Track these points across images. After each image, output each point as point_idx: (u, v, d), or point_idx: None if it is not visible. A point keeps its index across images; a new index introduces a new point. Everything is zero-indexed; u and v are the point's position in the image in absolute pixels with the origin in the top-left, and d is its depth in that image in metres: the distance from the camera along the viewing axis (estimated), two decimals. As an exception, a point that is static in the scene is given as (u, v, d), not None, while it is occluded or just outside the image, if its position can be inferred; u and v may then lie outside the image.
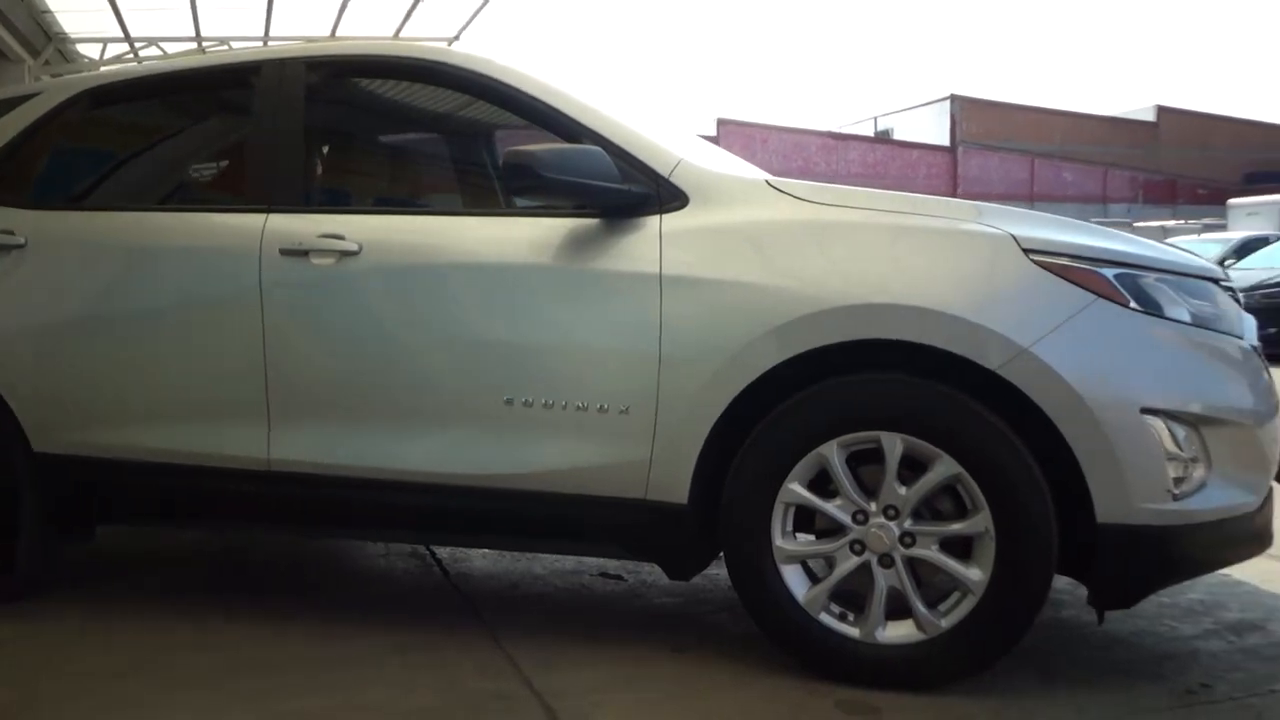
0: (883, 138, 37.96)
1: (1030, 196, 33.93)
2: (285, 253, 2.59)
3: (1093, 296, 2.16)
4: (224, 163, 3.19)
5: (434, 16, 12.93)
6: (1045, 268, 2.18)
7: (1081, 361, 2.12)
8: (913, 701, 2.19)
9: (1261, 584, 2.98)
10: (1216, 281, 2.37)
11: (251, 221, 2.65)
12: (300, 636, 2.59)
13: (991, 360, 2.13)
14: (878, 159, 35.25)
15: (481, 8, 12.53)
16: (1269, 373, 2.35)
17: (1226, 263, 13.32)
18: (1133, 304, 2.18)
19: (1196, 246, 14.45)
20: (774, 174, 2.67)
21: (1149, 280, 2.23)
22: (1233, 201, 23.70)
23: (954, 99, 35.94)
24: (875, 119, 40.49)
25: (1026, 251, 2.20)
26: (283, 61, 2.82)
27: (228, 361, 2.62)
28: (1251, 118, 39.07)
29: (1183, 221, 24.75)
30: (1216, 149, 36.75)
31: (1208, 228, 21.40)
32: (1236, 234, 16.48)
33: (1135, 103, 43.97)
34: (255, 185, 2.75)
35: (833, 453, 2.23)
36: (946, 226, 2.27)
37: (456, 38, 13.40)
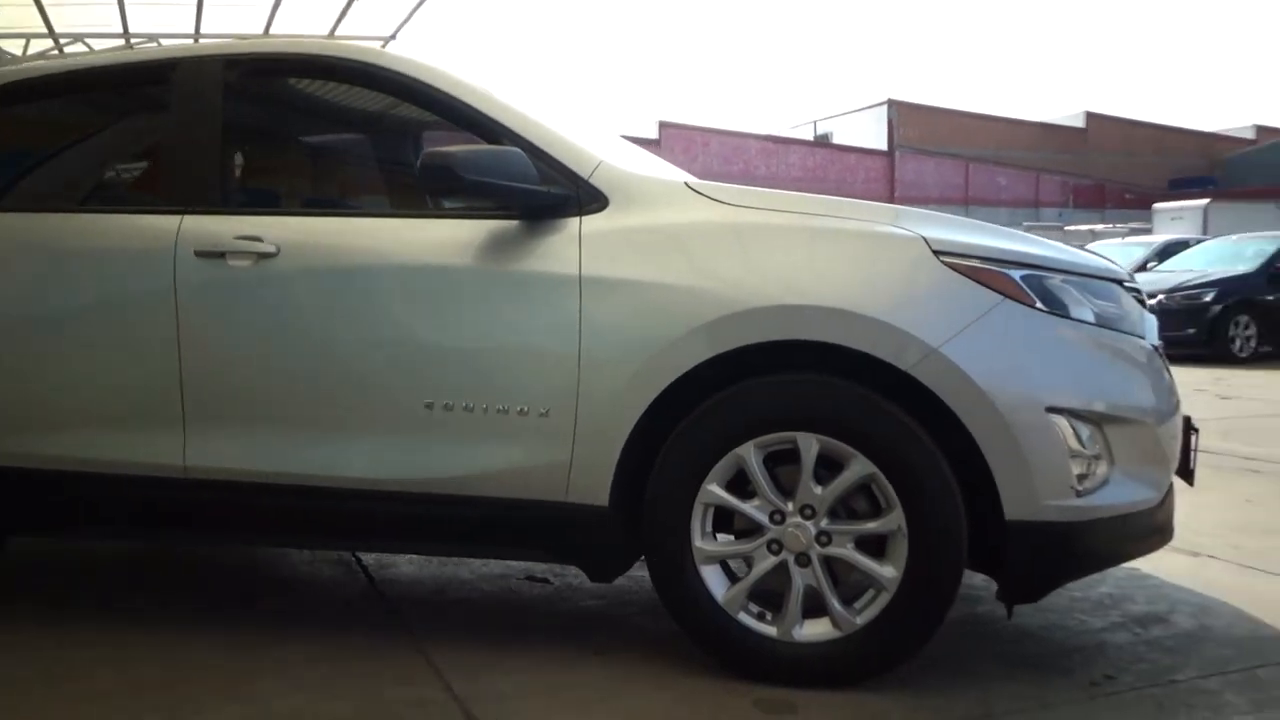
0: (822, 142, 38.36)
1: (965, 200, 34.60)
2: (201, 255, 2.54)
3: (1000, 297, 2.21)
4: (139, 163, 3.12)
5: (370, 15, 12.81)
6: (955, 269, 2.23)
7: (989, 361, 2.17)
8: (829, 699, 2.22)
9: (1167, 577, 3.08)
10: (1120, 283, 2.44)
11: (166, 223, 2.59)
12: (218, 645, 2.54)
13: (902, 360, 2.17)
14: (817, 163, 35.63)
15: (418, 6, 12.46)
16: (1169, 372, 2.43)
17: (1149, 265, 13.74)
18: (1039, 304, 2.24)
19: (1121, 250, 14.89)
20: (715, 177, 2.70)
21: (1055, 281, 2.29)
22: (1157, 206, 24.45)
23: (891, 104, 36.46)
24: (815, 123, 40.91)
25: (937, 253, 2.24)
26: (200, 59, 2.77)
27: (141, 366, 2.56)
28: (1177, 125, 40.29)
29: (1111, 226, 25.42)
30: (1143, 155, 37.79)
31: (1134, 231, 22.03)
32: (1159, 238, 17.00)
33: (1065, 109, 45.02)
34: (171, 186, 2.69)
35: (750, 453, 2.25)
36: (860, 229, 2.30)
37: (393, 37, 13.28)
